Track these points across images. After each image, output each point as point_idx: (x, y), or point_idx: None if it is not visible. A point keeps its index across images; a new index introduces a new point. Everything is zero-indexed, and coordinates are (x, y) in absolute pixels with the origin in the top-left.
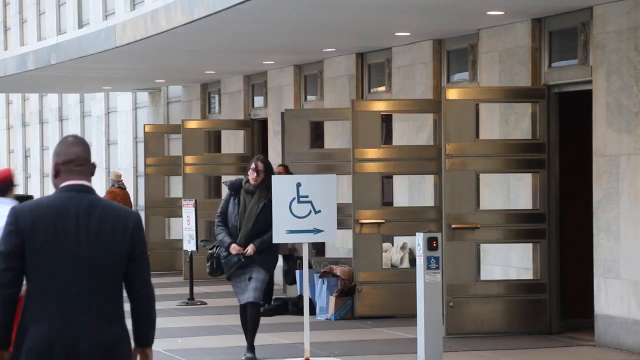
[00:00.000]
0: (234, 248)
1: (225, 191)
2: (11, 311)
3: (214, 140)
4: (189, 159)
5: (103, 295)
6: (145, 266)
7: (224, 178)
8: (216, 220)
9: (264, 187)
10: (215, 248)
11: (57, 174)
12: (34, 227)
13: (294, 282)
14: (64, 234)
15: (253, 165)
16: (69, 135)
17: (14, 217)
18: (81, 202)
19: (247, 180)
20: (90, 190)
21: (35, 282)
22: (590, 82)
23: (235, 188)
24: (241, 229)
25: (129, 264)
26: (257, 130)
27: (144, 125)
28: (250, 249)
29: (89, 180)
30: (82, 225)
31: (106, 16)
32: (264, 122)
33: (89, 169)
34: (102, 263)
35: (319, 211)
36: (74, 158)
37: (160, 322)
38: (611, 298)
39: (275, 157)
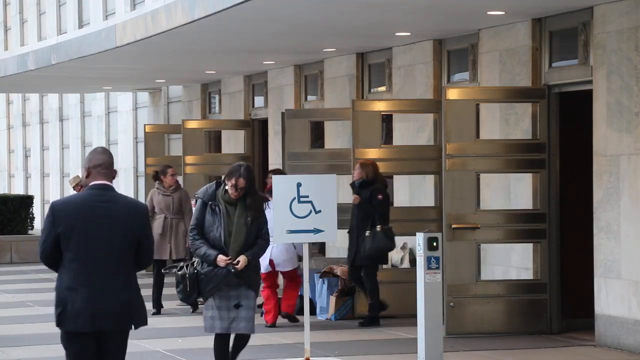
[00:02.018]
0: (221, 259)
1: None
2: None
3: (214, 140)
4: (189, 159)
5: (120, 268)
6: (151, 243)
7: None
8: (190, 234)
9: (250, 198)
10: (186, 267)
11: (87, 175)
12: (67, 217)
13: None
14: (89, 222)
15: (233, 181)
16: (98, 147)
17: (52, 210)
18: (103, 197)
19: (226, 190)
20: (110, 188)
21: (67, 259)
22: (590, 82)
23: (211, 198)
24: (229, 243)
25: (139, 243)
26: (257, 130)
27: (144, 125)
28: (242, 260)
29: (111, 181)
30: (104, 215)
31: (106, 16)
32: (264, 122)
33: (112, 173)
34: (117, 244)
35: (319, 211)
36: (101, 163)
37: (161, 322)
38: (611, 298)
39: (275, 157)
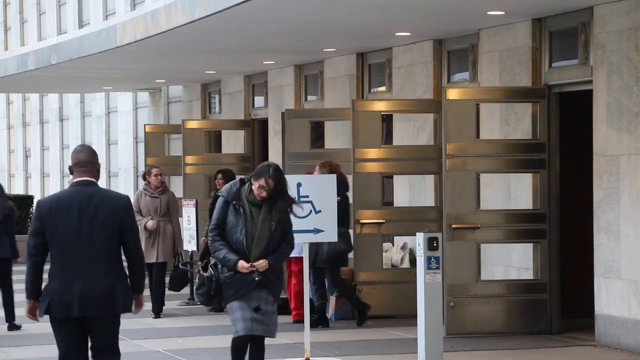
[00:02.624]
0: (243, 266)
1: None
2: (39, 273)
3: (214, 140)
4: (189, 159)
5: (101, 257)
6: (135, 235)
7: None
8: (210, 234)
9: (281, 200)
10: (212, 268)
11: (71, 172)
12: (50, 212)
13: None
14: (71, 216)
15: (262, 182)
16: (78, 145)
17: (37, 206)
18: (84, 191)
19: (251, 190)
20: (91, 184)
21: (54, 251)
22: (590, 82)
23: (235, 197)
24: (251, 248)
25: (122, 233)
26: (257, 130)
27: (145, 125)
28: (263, 262)
29: (93, 177)
30: (84, 209)
31: (106, 16)
32: (264, 122)
33: (93, 169)
34: (99, 235)
35: (320, 211)
36: (78, 162)
37: (161, 322)
38: (611, 298)
39: (275, 157)
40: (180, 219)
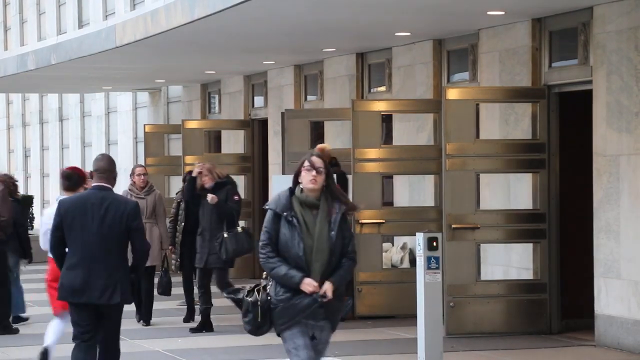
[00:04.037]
0: (310, 284)
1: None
2: (62, 260)
3: (214, 140)
4: (189, 159)
5: (110, 254)
6: (140, 234)
7: None
8: (262, 251)
9: (331, 195)
10: (257, 292)
11: (92, 177)
12: (68, 212)
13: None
14: (85, 215)
15: (307, 163)
16: (99, 154)
17: (58, 205)
18: (98, 195)
19: (301, 189)
20: (106, 189)
21: (69, 246)
22: (590, 82)
23: (285, 208)
24: (310, 263)
25: (129, 234)
26: (257, 130)
27: (144, 125)
28: (328, 288)
29: (109, 183)
30: (96, 210)
31: (106, 16)
32: (264, 122)
33: (110, 176)
34: (108, 234)
35: None
36: (97, 168)
37: (160, 322)
38: (611, 298)
39: (275, 157)
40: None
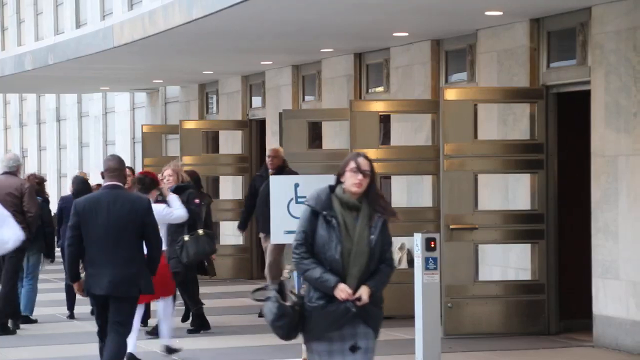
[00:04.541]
0: (343, 290)
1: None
2: (77, 259)
3: (212, 141)
4: (186, 159)
5: (125, 248)
6: (155, 229)
7: (222, 179)
8: (296, 251)
9: (375, 198)
10: (293, 295)
11: (102, 177)
12: (84, 210)
13: None
14: (100, 214)
15: (353, 165)
16: (109, 154)
17: (74, 205)
18: (111, 193)
19: (343, 189)
20: (118, 187)
21: (86, 242)
22: (588, 82)
23: (325, 206)
24: (347, 267)
25: (143, 228)
26: (255, 130)
27: (142, 125)
28: (364, 293)
29: (120, 181)
30: (110, 208)
31: (104, 16)
32: (262, 123)
33: (120, 174)
34: (123, 229)
35: None
36: (107, 168)
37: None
38: (610, 299)
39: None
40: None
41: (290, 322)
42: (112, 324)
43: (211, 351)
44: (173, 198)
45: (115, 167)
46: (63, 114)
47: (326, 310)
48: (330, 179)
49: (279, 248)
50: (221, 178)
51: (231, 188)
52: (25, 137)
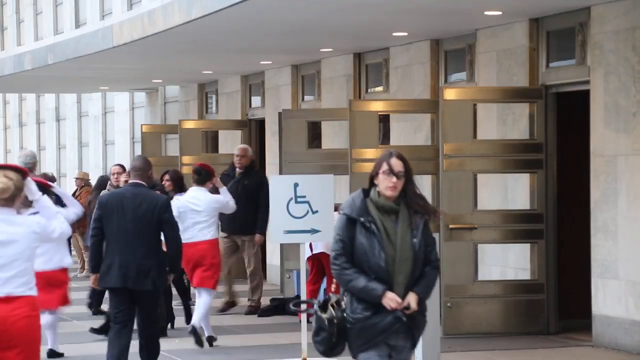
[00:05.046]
0: (393, 299)
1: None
2: (99, 250)
3: (211, 141)
4: (186, 159)
5: (143, 242)
6: (173, 226)
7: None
8: (336, 262)
9: (413, 199)
10: (332, 308)
11: (128, 175)
12: (107, 205)
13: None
14: (121, 209)
15: (386, 167)
16: (136, 155)
17: (99, 199)
18: (133, 191)
19: (377, 192)
20: (140, 185)
21: (107, 235)
22: (588, 82)
23: (361, 212)
24: (392, 275)
25: (162, 224)
26: (254, 130)
27: (141, 125)
28: (412, 300)
29: (143, 180)
30: (131, 204)
31: (103, 16)
32: (261, 122)
33: (144, 174)
34: (141, 225)
35: (316, 211)
36: (132, 167)
37: None
38: (609, 298)
39: (272, 157)
40: None
41: (329, 336)
42: (139, 318)
43: (211, 351)
44: (225, 190)
45: (139, 167)
46: (62, 113)
47: (371, 322)
48: (329, 179)
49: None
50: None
51: None
52: (24, 136)
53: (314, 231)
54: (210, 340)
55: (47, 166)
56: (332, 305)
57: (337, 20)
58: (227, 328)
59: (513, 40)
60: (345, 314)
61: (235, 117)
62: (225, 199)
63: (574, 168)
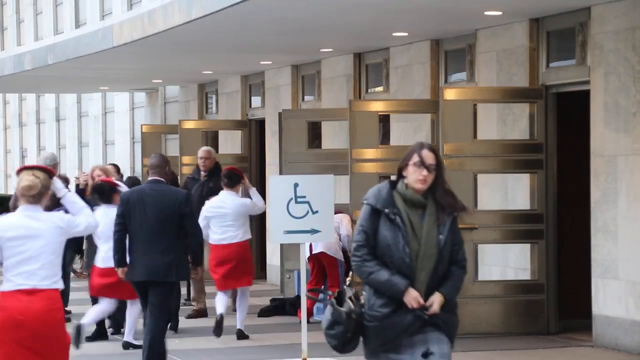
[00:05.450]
0: (415, 299)
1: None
2: (122, 245)
3: (211, 141)
4: (186, 159)
5: (164, 236)
6: (193, 220)
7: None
8: (357, 254)
9: (442, 194)
10: (351, 301)
11: (147, 174)
12: (129, 201)
13: None
14: (142, 205)
15: (417, 158)
16: (153, 153)
17: (121, 196)
18: (153, 187)
19: (405, 184)
20: (159, 182)
21: (130, 231)
22: (588, 82)
23: (387, 204)
24: (414, 271)
25: (182, 218)
26: (254, 130)
27: (141, 125)
28: (436, 301)
29: (161, 177)
30: (151, 200)
31: (103, 16)
32: (261, 123)
33: (162, 171)
34: (162, 220)
35: (317, 212)
36: (151, 165)
37: None
38: (609, 298)
39: (272, 157)
40: None
41: (344, 331)
42: (150, 308)
43: (211, 351)
44: (254, 191)
45: (156, 164)
46: (62, 113)
47: (391, 320)
48: (330, 179)
49: None
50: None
51: None
52: (24, 136)
53: (314, 231)
54: (241, 334)
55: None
56: (350, 299)
57: (337, 20)
58: (227, 328)
59: (513, 40)
60: (363, 310)
61: (235, 117)
62: (251, 202)
63: (574, 168)
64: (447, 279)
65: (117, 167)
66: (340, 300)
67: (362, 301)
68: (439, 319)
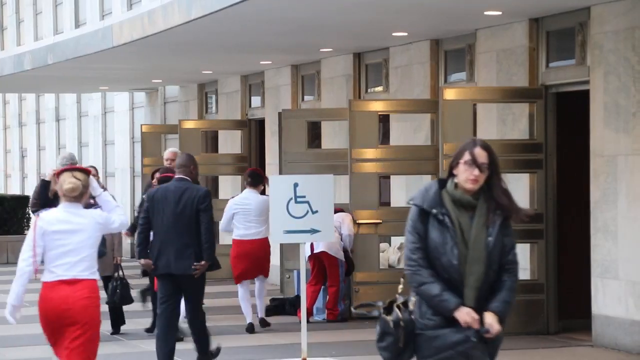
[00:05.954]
0: (469, 314)
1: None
2: (146, 239)
3: (211, 141)
4: None
5: (184, 231)
6: (208, 216)
7: (221, 178)
8: (412, 256)
9: (495, 195)
10: (398, 309)
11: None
12: (153, 199)
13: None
14: (166, 202)
15: (468, 156)
16: (181, 153)
17: (147, 194)
18: (178, 185)
19: (455, 184)
20: (183, 180)
21: (154, 227)
22: (587, 82)
23: (434, 204)
24: (463, 276)
25: (199, 214)
26: (254, 130)
27: (141, 125)
28: (494, 324)
29: (187, 175)
30: (175, 197)
31: (103, 16)
32: (261, 122)
33: (187, 170)
34: (183, 216)
35: (316, 211)
36: (177, 164)
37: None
38: (609, 298)
39: (272, 157)
40: None
41: (395, 341)
42: (186, 297)
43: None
44: None
45: (183, 164)
46: (62, 113)
47: (441, 332)
48: (329, 179)
49: None
50: (220, 178)
51: (230, 188)
52: (24, 136)
53: (313, 231)
54: (264, 322)
55: (46, 166)
56: (398, 307)
57: (337, 20)
58: (225, 328)
59: (513, 40)
60: (412, 317)
61: (235, 117)
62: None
63: (574, 168)
64: (498, 291)
65: (95, 169)
66: (390, 309)
67: (411, 308)
68: (490, 339)
